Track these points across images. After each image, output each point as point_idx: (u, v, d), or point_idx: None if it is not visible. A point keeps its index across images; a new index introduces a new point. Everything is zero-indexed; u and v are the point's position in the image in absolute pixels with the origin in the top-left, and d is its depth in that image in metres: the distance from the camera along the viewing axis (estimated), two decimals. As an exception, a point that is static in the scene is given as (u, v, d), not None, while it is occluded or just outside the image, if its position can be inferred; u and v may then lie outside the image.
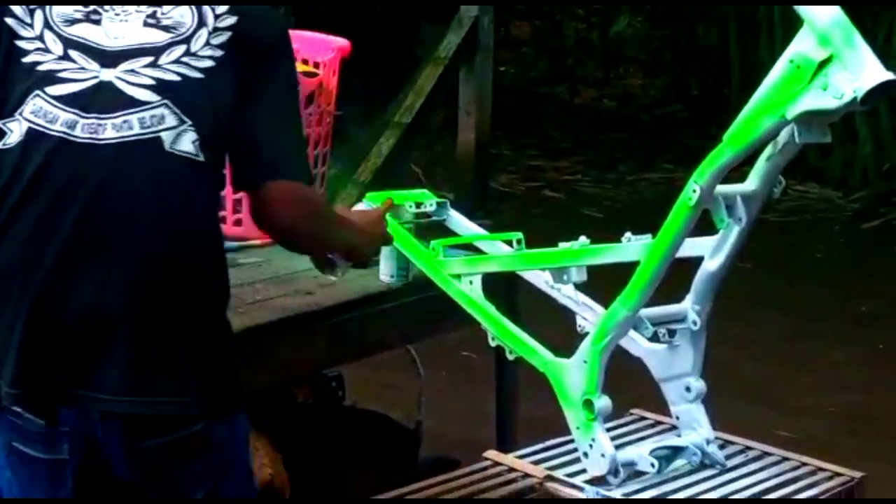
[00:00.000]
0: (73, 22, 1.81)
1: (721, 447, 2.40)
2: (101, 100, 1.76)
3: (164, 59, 1.79)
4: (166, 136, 1.75)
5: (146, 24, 1.81)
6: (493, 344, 2.46)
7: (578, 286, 2.44)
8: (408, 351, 3.32)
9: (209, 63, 1.80)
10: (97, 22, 1.81)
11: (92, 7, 1.82)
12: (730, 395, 4.29)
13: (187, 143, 1.76)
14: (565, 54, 11.24)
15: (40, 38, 1.80)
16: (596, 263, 2.31)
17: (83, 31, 1.80)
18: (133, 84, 1.77)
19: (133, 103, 1.76)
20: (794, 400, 4.62)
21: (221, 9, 1.83)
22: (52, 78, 1.77)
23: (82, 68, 1.77)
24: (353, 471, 2.89)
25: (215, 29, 1.82)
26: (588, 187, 8.23)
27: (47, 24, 1.81)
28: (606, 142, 9.40)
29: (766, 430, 3.59)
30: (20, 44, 1.80)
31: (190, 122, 1.76)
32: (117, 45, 1.79)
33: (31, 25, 1.81)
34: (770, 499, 2.25)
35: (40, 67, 1.78)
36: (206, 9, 1.83)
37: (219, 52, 1.81)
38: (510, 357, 2.42)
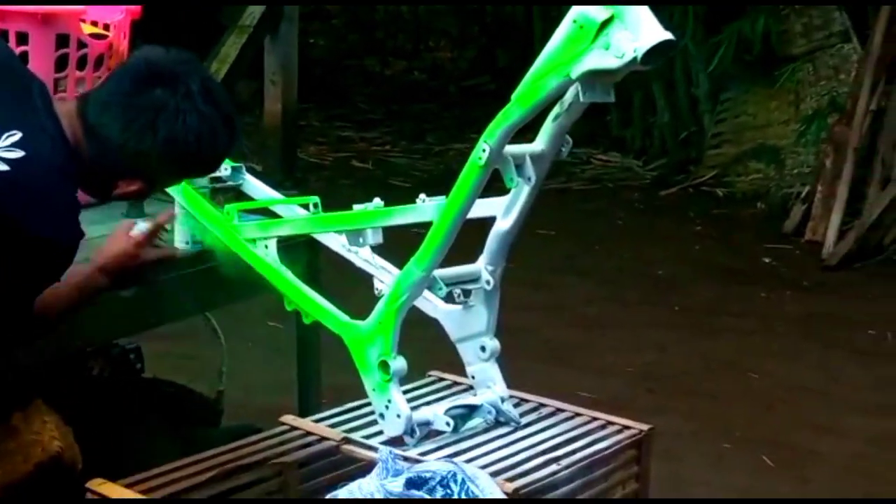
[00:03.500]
0: None
1: (516, 405, 2.44)
2: None
3: None
4: None
5: None
6: (289, 308, 2.43)
7: (375, 249, 2.44)
8: (208, 320, 3.27)
9: None
10: None
11: None
12: (534, 360, 4.40)
13: None
14: (375, 27, 11.24)
15: None
16: (390, 224, 2.31)
17: None
18: None
19: None
20: (596, 361, 4.75)
21: None
22: None
23: None
24: (152, 440, 2.83)
25: None
26: (397, 158, 8.27)
27: None
28: (416, 113, 9.47)
29: (569, 392, 3.68)
30: None
31: None
32: None
33: None
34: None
35: None
36: None
37: None
38: (306, 321, 2.41)
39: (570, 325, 5.20)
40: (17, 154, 1.93)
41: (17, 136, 1.95)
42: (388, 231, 2.34)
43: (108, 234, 2.82)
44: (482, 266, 2.34)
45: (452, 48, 11.35)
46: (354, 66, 10.85)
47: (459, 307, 2.39)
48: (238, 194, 2.73)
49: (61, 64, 2.78)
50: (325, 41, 11.13)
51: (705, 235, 6.75)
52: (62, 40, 2.77)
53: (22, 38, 2.67)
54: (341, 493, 1.92)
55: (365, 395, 2.35)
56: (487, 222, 2.36)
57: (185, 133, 2.04)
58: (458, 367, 2.53)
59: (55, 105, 2.07)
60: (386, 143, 8.66)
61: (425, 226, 2.27)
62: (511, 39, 9.94)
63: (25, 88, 2.05)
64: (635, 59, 1.95)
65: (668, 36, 1.95)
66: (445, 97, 9.98)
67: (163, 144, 2.03)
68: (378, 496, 1.89)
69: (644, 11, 1.95)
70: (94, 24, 2.97)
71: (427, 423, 2.28)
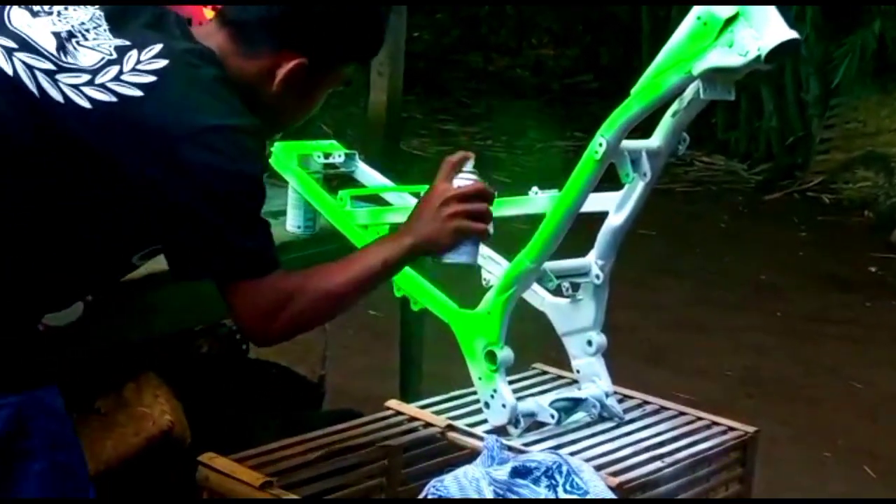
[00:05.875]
0: None
1: (620, 401, 2.43)
2: None
3: None
4: None
5: None
6: (398, 294, 2.46)
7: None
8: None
9: None
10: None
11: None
12: (633, 359, 4.37)
13: None
14: (479, 23, 11.26)
15: None
16: (502, 215, 2.31)
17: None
18: None
19: None
20: (693, 363, 4.72)
21: None
22: None
23: None
24: (255, 419, 2.88)
25: None
26: (498, 153, 8.28)
27: None
28: (518, 109, 9.45)
29: (666, 392, 3.65)
30: None
31: None
32: None
33: None
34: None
35: None
36: None
37: None
38: (415, 307, 2.43)
39: (668, 325, 5.16)
40: (162, 63, 1.85)
41: (159, 47, 1.87)
42: (497, 221, 2.34)
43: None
44: (592, 260, 2.34)
45: (555, 46, 11.33)
46: (458, 61, 10.88)
47: (567, 301, 2.39)
48: (349, 181, 2.77)
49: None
50: (428, 35, 11.17)
51: (810, 242, 6.65)
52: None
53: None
54: (447, 479, 1.94)
55: (462, 384, 2.36)
56: (594, 218, 2.35)
57: None
58: (554, 362, 2.52)
59: (192, 31, 2.00)
60: (488, 137, 8.67)
61: (529, 220, 2.28)
62: (615, 38, 9.89)
63: (160, 17, 1.98)
64: (759, 57, 1.93)
65: (794, 35, 1.93)
66: (548, 94, 9.96)
67: None
68: (483, 483, 1.90)
69: (770, 10, 1.94)
70: (215, 8, 3.02)
71: (531, 415, 2.29)
